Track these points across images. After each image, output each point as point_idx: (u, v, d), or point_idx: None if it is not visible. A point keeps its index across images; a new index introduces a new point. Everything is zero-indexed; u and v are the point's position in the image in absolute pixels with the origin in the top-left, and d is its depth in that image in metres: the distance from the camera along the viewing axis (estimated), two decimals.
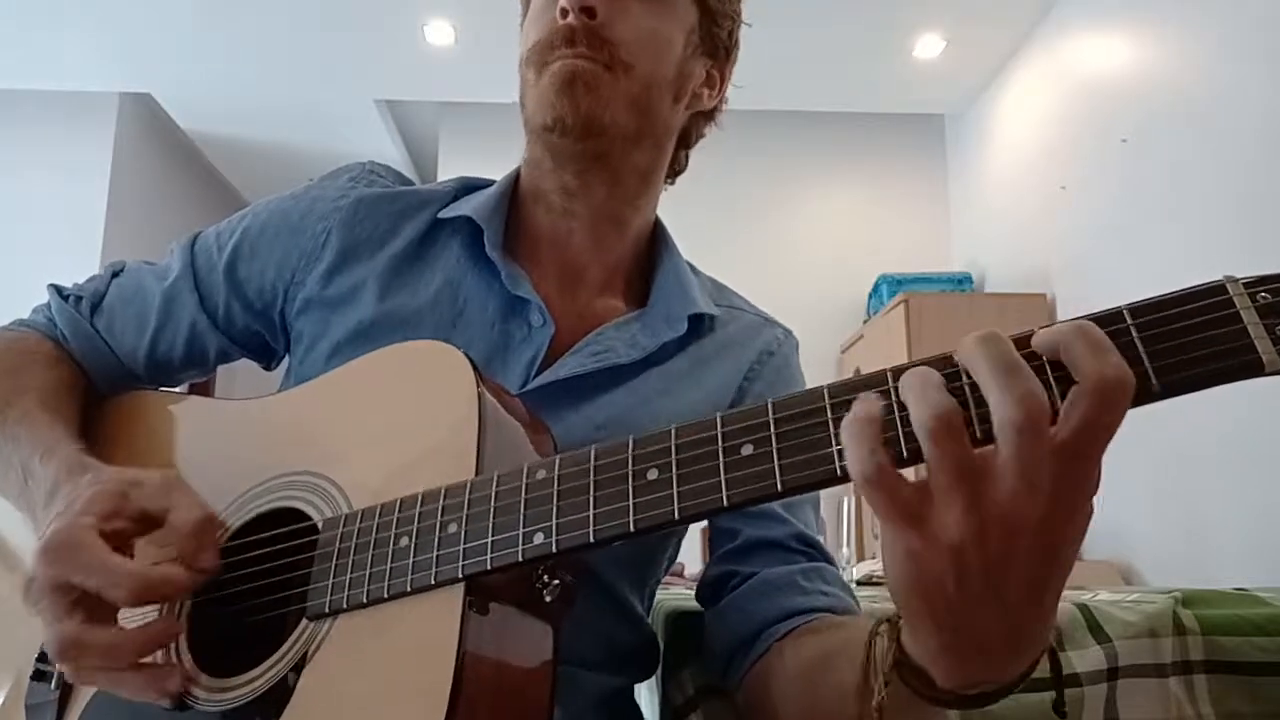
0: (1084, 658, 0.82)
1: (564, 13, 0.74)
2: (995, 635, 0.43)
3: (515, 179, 0.85)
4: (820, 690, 0.60)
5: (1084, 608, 0.86)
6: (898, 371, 0.44)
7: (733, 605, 0.74)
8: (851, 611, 0.73)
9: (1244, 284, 0.40)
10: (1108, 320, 0.41)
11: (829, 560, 0.77)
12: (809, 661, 0.64)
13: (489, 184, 0.86)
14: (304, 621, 0.59)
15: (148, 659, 0.58)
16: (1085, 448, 0.39)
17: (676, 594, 1.06)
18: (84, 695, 0.65)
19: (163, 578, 0.57)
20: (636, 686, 0.86)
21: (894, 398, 0.43)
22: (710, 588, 0.78)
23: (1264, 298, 0.39)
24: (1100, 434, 0.39)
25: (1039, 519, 0.39)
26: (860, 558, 2.57)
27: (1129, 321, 0.41)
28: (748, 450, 0.47)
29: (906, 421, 0.41)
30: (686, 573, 2.31)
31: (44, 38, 3.86)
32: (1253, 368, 0.39)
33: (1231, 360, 0.39)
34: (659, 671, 0.87)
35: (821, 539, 0.79)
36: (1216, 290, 0.40)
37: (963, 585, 0.41)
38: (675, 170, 0.89)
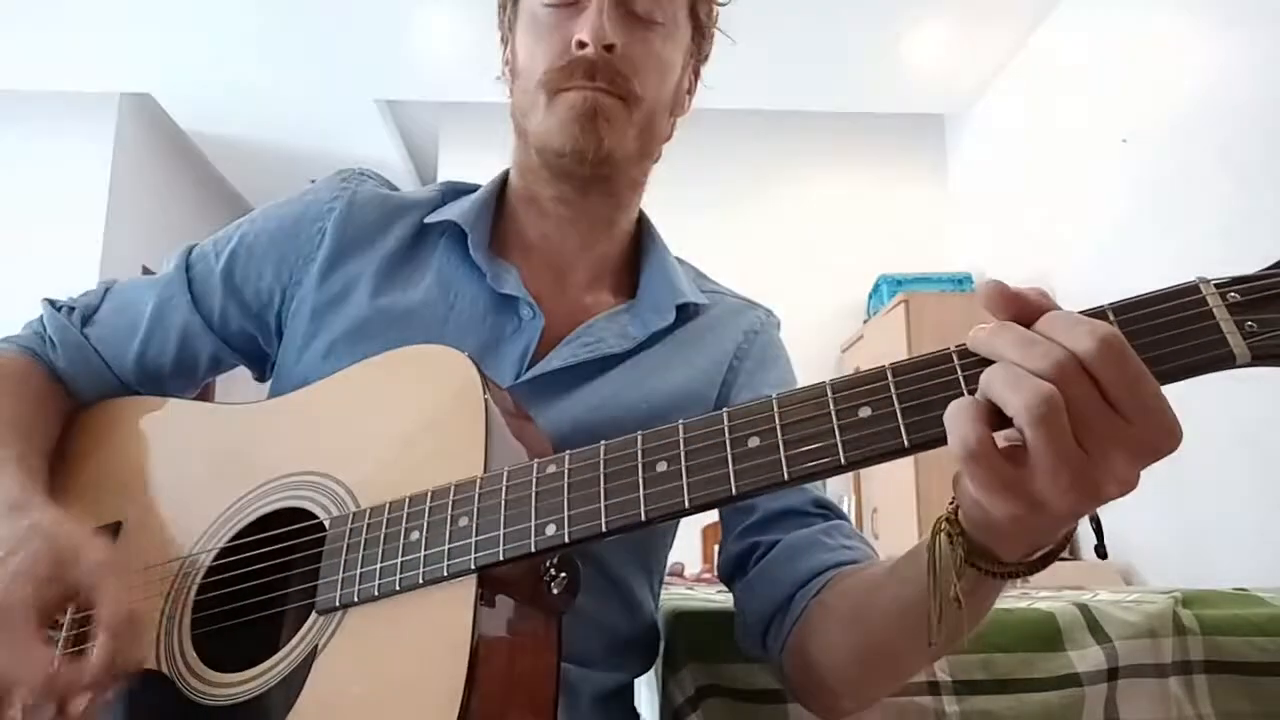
0: (1084, 658, 0.82)
1: (581, 44, 0.75)
2: (1067, 518, 0.46)
3: (502, 180, 0.87)
4: (873, 617, 0.61)
5: (1084, 608, 0.85)
6: (896, 368, 0.47)
7: (762, 574, 0.74)
8: (875, 560, 0.73)
9: (1216, 284, 0.44)
10: (1092, 317, 0.44)
11: (844, 518, 0.78)
12: (856, 597, 0.65)
13: (475, 189, 0.88)
14: (313, 615, 0.59)
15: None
16: (1128, 396, 0.42)
17: (677, 594, 1.06)
18: None
19: (71, 680, 0.56)
20: (636, 685, 0.86)
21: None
22: (733, 563, 0.78)
23: (1234, 296, 0.43)
24: (1127, 381, 0.42)
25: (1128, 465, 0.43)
26: None
27: (1112, 319, 0.44)
28: (754, 442, 0.50)
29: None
30: (686, 573, 2.32)
31: (44, 38, 3.86)
32: (1225, 360, 0.42)
33: (1207, 354, 0.43)
34: (659, 671, 0.87)
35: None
36: (1191, 290, 0.44)
37: (1053, 520, 0.45)
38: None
